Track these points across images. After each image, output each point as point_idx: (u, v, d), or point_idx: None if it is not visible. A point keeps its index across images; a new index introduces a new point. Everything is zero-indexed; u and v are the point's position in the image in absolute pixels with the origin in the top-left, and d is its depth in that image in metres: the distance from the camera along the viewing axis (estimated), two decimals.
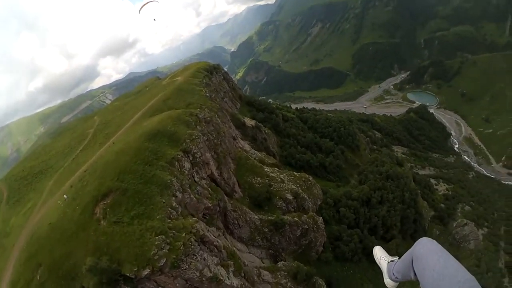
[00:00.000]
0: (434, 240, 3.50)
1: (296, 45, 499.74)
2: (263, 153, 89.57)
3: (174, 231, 28.32)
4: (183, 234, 28.28)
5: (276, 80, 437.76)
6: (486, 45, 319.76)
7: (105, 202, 30.64)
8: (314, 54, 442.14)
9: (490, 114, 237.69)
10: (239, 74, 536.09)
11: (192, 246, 28.05)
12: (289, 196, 64.86)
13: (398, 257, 4.66)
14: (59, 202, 34.53)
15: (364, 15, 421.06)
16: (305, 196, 68.58)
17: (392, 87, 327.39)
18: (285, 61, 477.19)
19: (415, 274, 3.57)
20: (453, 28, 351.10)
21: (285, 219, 57.30)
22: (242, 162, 66.61)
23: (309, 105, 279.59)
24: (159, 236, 26.86)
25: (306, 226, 59.92)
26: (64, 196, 34.75)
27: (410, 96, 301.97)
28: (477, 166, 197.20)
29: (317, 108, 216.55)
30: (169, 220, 29.53)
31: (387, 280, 4.72)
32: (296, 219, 59.20)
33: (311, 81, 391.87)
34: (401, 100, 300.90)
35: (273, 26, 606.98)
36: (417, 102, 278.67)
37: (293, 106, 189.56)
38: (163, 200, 31.70)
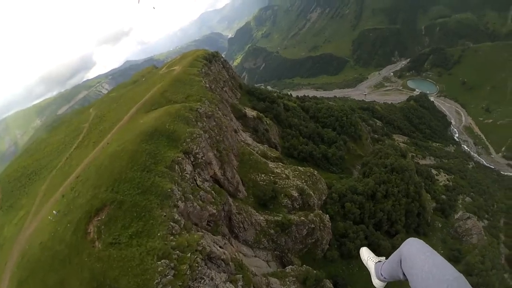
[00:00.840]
0: (421, 240, 3.44)
1: (295, 30, 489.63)
2: (265, 146, 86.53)
3: (178, 251, 25.11)
4: (188, 254, 25.12)
5: (275, 66, 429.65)
6: (488, 33, 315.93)
7: (99, 218, 27.20)
8: (313, 40, 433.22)
9: (490, 104, 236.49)
10: (237, 61, 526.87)
11: (199, 268, 24.94)
12: (295, 193, 62.26)
13: (385, 258, 4.63)
14: (49, 217, 31.05)
15: (364, 0, 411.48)
16: (311, 192, 66.01)
17: (392, 74, 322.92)
18: (284, 47, 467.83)
19: (403, 274, 3.50)
20: (455, 15, 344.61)
21: (292, 219, 54.66)
22: (246, 158, 63.36)
23: (308, 92, 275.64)
24: (162, 261, 23.64)
25: (312, 225, 57.52)
26: (54, 212, 31.15)
27: (410, 83, 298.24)
28: (477, 156, 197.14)
29: (317, 96, 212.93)
30: (172, 237, 26.23)
31: (375, 281, 4.61)
32: (303, 218, 56.65)
33: (310, 67, 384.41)
34: (401, 87, 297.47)
35: (271, 11, 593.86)
36: (417, 90, 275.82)
37: (293, 93, 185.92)
38: (164, 213, 28.32)
